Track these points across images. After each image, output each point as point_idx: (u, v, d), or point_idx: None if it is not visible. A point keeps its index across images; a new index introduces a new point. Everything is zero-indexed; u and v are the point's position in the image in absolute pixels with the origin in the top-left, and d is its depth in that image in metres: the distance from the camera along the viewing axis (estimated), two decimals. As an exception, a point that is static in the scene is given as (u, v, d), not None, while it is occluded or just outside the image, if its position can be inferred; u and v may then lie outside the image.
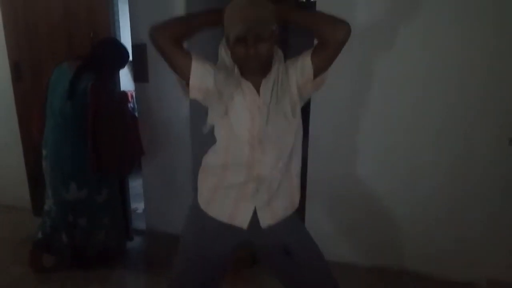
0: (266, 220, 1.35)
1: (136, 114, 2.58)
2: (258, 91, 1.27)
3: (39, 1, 2.37)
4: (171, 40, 1.21)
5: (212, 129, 1.34)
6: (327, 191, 2.34)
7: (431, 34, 1.97)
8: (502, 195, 2.06)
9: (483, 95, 1.98)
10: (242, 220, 1.35)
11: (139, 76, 2.44)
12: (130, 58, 2.33)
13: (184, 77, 1.27)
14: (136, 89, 2.54)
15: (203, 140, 2.65)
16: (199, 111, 2.54)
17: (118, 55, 2.18)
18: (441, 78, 2.01)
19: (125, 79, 3.31)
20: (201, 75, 1.25)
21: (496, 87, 1.95)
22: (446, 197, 2.14)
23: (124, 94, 2.43)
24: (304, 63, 1.27)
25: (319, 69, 1.26)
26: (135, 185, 3.01)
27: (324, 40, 1.21)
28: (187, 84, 1.27)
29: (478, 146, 2.03)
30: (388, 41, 2.04)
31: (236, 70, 1.26)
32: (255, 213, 1.34)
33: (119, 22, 2.45)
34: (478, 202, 2.10)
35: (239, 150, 1.29)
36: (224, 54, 1.29)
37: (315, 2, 2.07)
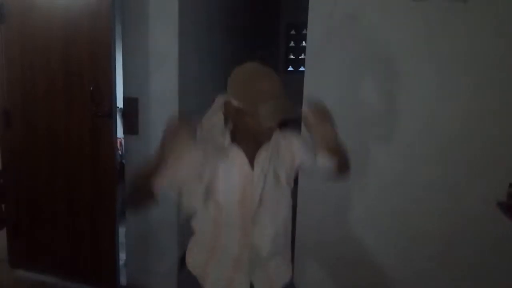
0: None
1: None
2: (250, 161, 1.23)
3: (38, 50, 2.40)
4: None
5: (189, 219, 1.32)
6: (316, 256, 2.28)
7: (414, 98, 2.03)
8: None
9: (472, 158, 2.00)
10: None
11: (129, 128, 2.45)
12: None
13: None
14: (126, 141, 2.54)
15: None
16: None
17: None
18: (430, 143, 2.04)
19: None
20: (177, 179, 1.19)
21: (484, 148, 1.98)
22: (439, 261, 2.10)
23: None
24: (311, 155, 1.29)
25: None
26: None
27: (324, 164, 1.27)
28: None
29: (467, 209, 2.03)
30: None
31: (228, 138, 1.21)
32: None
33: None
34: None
35: (230, 229, 1.25)
36: (220, 114, 1.22)
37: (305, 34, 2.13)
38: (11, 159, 2.61)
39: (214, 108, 1.27)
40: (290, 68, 5.11)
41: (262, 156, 1.24)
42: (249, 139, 1.21)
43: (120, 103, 2.42)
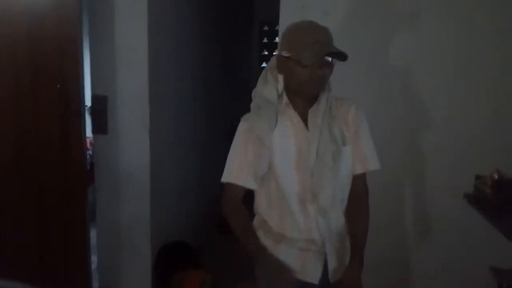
0: (336, 274, 1.32)
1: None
2: (303, 119, 1.26)
3: (2, 46, 2.30)
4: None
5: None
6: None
7: (384, 89, 2.05)
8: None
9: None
10: (312, 276, 1.31)
11: (98, 128, 2.39)
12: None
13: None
14: (95, 141, 2.47)
15: (166, 193, 2.58)
16: (160, 165, 2.52)
17: None
18: (397, 135, 2.07)
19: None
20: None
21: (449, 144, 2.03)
22: (407, 252, 2.14)
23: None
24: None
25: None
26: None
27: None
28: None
29: (434, 201, 2.08)
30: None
31: (285, 98, 1.26)
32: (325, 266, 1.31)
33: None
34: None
35: (291, 190, 1.26)
36: (272, 81, 1.28)
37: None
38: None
39: (266, 69, 1.31)
40: (264, 65, 5.10)
41: (315, 112, 1.25)
42: (302, 94, 1.25)
43: (88, 102, 2.36)
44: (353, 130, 1.30)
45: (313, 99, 1.26)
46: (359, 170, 1.33)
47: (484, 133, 1.99)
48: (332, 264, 1.31)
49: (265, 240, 1.33)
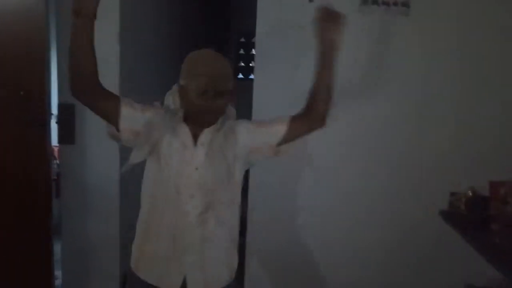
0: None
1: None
2: (194, 139, 1.29)
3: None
4: (92, 88, 1.25)
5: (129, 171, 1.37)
6: (267, 258, 2.24)
7: (359, 106, 2.05)
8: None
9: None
10: (171, 284, 1.30)
11: (65, 138, 2.27)
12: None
13: (113, 121, 1.28)
14: (61, 151, 2.35)
15: (136, 211, 2.48)
16: (131, 178, 2.42)
17: None
18: (375, 150, 2.06)
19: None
20: (130, 117, 1.28)
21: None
22: (381, 267, 2.13)
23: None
24: (279, 128, 1.34)
25: (288, 137, 1.35)
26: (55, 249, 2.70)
27: (312, 105, 1.36)
28: (117, 128, 1.28)
29: (410, 217, 2.07)
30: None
31: (180, 114, 1.28)
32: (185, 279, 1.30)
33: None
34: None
35: (165, 195, 1.29)
36: (171, 102, 1.33)
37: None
38: None
39: (172, 91, 1.36)
40: (240, 76, 5.09)
41: (205, 134, 1.30)
42: (196, 119, 1.28)
43: (54, 110, 2.25)
44: (255, 138, 1.35)
45: (210, 123, 1.30)
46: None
47: (458, 148, 2.01)
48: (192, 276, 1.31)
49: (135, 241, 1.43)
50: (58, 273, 2.61)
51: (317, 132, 2.01)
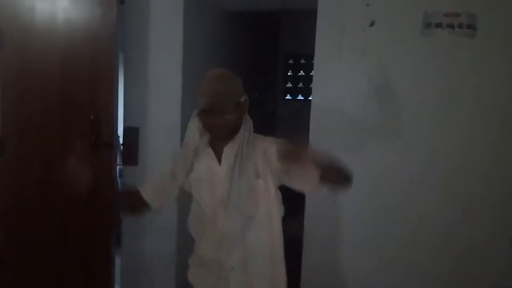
0: None
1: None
2: (219, 157, 1.36)
3: (36, 77, 2.31)
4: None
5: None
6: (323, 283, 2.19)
7: (420, 132, 2.00)
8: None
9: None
10: None
11: (128, 159, 2.38)
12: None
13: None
14: (124, 172, 2.46)
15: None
16: (189, 198, 2.47)
17: None
18: (437, 177, 2.00)
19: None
20: (184, 170, 1.41)
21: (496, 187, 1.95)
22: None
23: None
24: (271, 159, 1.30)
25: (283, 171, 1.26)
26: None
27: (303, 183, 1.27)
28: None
29: (479, 247, 1.97)
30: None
31: (205, 138, 1.39)
32: None
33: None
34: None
35: (204, 216, 1.40)
36: (196, 122, 1.40)
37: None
38: (1, 189, 2.50)
39: (192, 115, 1.43)
40: (288, 97, 5.12)
41: (228, 152, 1.35)
42: (217, 138, 1.36)
43: (119, 133, 2.36)
44: (274, 165, 1.30)
45: (228, 138, 1.35)
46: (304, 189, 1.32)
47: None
48: None
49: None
50: (116, 287, 2.70)
51: (378, 153, 2.03)
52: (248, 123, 1.39)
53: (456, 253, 2.00)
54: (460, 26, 1.83)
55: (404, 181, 2.04)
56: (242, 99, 1.33)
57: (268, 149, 1.32)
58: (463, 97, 1.92)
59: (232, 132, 1.34)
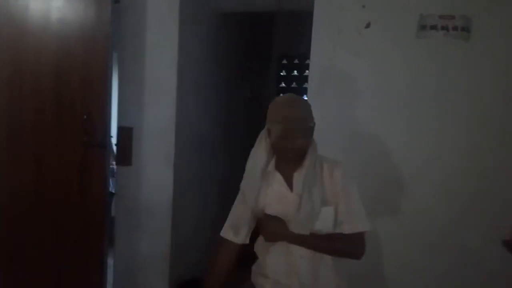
0: None
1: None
2: (288, 182, 1.40)
3: (28, 77, 2.29)
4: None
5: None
6: None
7: (416, 133, 2.02)
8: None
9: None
10: None
11: (122, 159, 2.36)
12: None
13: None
14: (118, 172, 2.44)
15: (185, 229, 2.54)
16: (181, 201, 2.47)
17: None
18: (432, 178, 2.02)
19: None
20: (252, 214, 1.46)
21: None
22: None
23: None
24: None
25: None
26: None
27: None
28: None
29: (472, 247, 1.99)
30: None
31: (272, 163, 1.41)
32: None
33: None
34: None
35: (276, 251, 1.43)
36: (263, 141, 1.42)
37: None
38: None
39: (259, 138, 1.45)
40: (281, 97, 5.12)
41: (299, 175, 1.38)
42: (287, 162, 1.39)
43: (113, 133, 2.34)
44: (339, 192, 1.39)
45: (299, 163, 1.38)
46: (347, 230, 1.38)
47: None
48: None
49: (260, 280, 1.51)
50: (109, 287, 2.69)
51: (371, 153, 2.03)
52: (314, 146, 1.42)
53: (449, 253, 2.01)
54: (454, 28, 1.84)
55: (397, 181, 2.04)
56: (312, 124, 1.37)
57: (333, 174, 1.39)
58: (458, 98, 1.94)
59: (301, 155, 1.38)
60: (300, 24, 2.44)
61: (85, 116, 2.20)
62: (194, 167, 2.71)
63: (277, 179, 1.41)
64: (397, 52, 1.97)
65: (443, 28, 1.85)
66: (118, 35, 2.31)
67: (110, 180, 3.32)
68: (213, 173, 3.08)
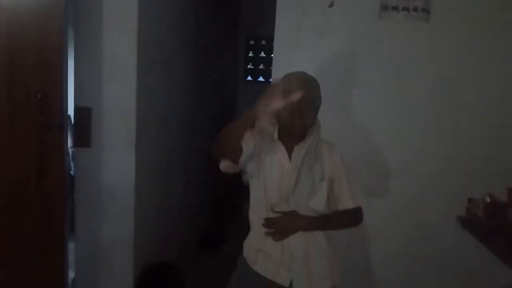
0: None
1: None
2: (289, 155, 1.46)
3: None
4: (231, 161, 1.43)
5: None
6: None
7: (376, 113, 2.04)
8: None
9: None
10: (283, 281, 1.47)
11: (80, 140, 2.28)
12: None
13: (235, 162, 1.44)
14: (77, 154, 2.36)
15: (149, 213, 2.50)
16: (144, 183, 2.42)
17: None
18: (390, 157, 2.05)
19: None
20: (245, 152, 1.43)
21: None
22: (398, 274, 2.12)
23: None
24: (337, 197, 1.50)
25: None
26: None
27: None
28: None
29: (427, 223, 2.06)
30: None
31: (276, 133, 1.47)
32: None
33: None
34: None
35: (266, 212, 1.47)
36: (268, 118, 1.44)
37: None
38: None
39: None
40: (249, 78, 5.09)
41: (300, 148, 1.45)
42: (291, 137, 1.45)
43: (70, 113, 2.25)
44: (335, 172, 1.48)
45: (300, 138, 1.45)
46: (351, 206, 1.50)
47: (477, 157, 2.00)
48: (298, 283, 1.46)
49: (250, 243, 1.56)
50: (71, 273, 2.62)
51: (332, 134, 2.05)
52: (318, 125, 1.47)
53: (408, 229, 2.08)
54: (415, 9, 1.87)
55: (359, 159, 2.08)
56: (320, 103, 1.43)
57: (332, 153, 1.48)
58: (420, 78, 1.97)
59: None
60: (267, 4, 2.41)
61: (39, 95, 2.10)
62: (158, 148, 2.65)
63: (280, 149, 1.47)
64: (360, 32, 1.98)
65: (404, 9, 1.87)
66: (74, 10, 2.19)
67: (72, 163, 3.24)
68: (177, 154, 3.04)
